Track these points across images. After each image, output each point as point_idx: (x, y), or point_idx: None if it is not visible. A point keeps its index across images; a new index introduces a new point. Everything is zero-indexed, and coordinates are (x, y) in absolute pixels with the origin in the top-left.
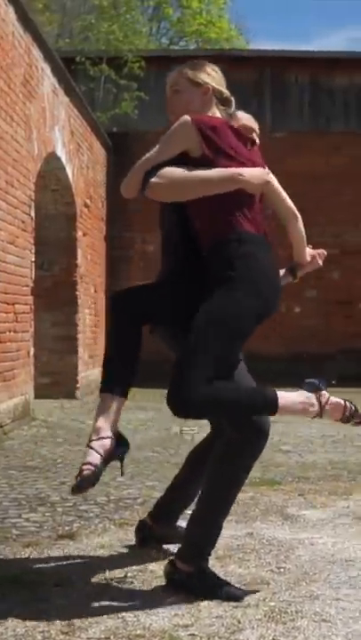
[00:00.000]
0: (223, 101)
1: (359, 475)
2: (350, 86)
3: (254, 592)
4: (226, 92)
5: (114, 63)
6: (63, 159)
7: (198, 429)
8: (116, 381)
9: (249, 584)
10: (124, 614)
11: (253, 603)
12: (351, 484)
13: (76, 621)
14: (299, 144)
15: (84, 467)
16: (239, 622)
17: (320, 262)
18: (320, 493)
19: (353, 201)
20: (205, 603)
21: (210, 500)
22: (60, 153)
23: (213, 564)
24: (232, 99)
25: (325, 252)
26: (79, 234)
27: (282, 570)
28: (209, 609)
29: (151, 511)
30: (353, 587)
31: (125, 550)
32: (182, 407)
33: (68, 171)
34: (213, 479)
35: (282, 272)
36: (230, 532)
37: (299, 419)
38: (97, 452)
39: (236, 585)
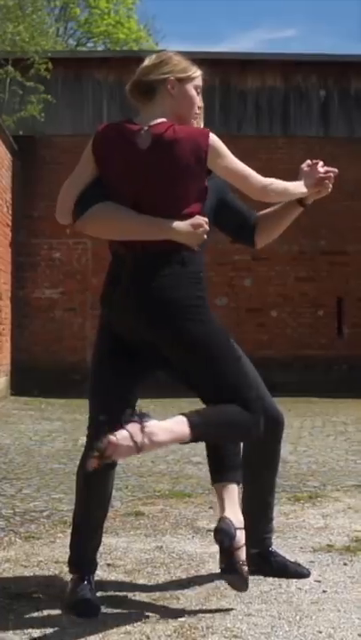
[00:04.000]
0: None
1: None
2: (262, 88)
3: (164, 607)
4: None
5: (20, 65)
6: None
7: None
8: None
9: (158, 599)
10: (30, 630)
11: (163, 618)
12: None
13: None
14: None
15: None
16: (148, 638)
17: (328, 188)
18: None
19: (265, 207)
20: (114, 618)
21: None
22: None
23: (122, 579)
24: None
25: (335, 171)
26: None
27: (192, 584)
28: (117, 625)
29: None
30: (265, 602)
31: (32, 564)
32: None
33: None
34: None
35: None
36: (139, 545)
37: None
38: None
39: (146, 601)
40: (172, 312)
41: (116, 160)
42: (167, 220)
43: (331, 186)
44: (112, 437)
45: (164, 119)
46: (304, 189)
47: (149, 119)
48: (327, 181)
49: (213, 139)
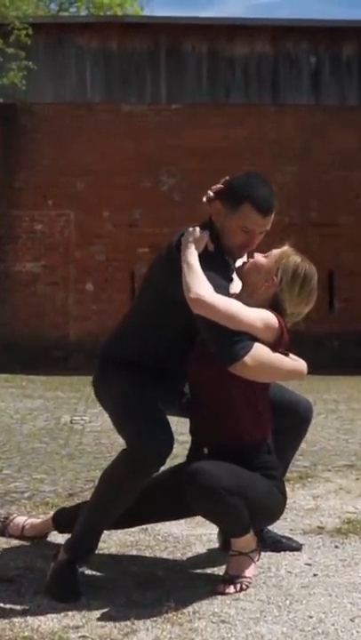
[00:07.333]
0: None
1: None
2: (251, 55)
3: (149, 591)
4: None
5: (0, 31)
6: None
7: (90, 418)
8: None
9: (143, 583)
10: (11, 616)
11: (148, 602)
12: None
13: None
14: (196, 117)
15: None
16: (133, 623)
17: None
18: None
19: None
20: (97, 602)
21: None
22: None
23: (106, 562)
24: None
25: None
26: None
27: (178, 567)
28: (101, 609)
29: None
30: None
31: (13, 547)
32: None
33: None
34: None
35: None
36: None
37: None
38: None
39: (130, 585)
40: None
41: None
42: None
43: None
44: None
45: None
46: None
47: None
48: None
49: None
